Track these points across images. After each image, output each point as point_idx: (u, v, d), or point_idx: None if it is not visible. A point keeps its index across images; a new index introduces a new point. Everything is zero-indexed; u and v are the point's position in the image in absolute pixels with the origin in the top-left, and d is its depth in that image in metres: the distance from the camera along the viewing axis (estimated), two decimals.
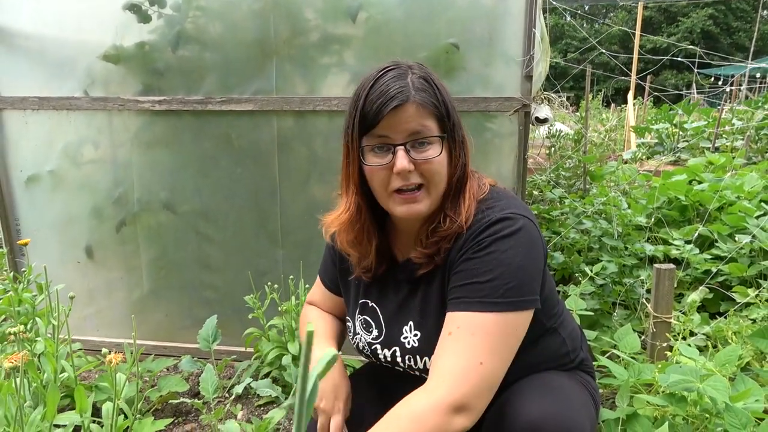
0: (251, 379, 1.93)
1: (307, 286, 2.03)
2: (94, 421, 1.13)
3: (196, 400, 1.85)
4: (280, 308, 1.99)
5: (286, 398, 1.82)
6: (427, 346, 1.10)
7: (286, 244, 2.24)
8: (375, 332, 1.19)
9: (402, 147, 0.99)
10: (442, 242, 1.05)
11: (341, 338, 1.35)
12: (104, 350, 1.11)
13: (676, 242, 2.67)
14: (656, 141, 7.59)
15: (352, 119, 1.02)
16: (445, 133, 1.03)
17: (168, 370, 2.21)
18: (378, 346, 1.19)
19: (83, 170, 2.32)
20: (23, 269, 1.95)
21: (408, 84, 0.99)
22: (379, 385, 1.34)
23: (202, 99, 2.16)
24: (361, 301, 1.22)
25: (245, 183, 2.22)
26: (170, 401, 1.98)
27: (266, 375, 2.09)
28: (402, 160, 0.98)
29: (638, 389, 1.51)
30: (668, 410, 1.46)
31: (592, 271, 2.15)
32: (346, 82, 2.10)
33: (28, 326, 1.50)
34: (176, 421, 1.93)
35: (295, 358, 1.92)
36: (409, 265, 1.12)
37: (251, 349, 2.14)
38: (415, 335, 1.12)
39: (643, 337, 2.10)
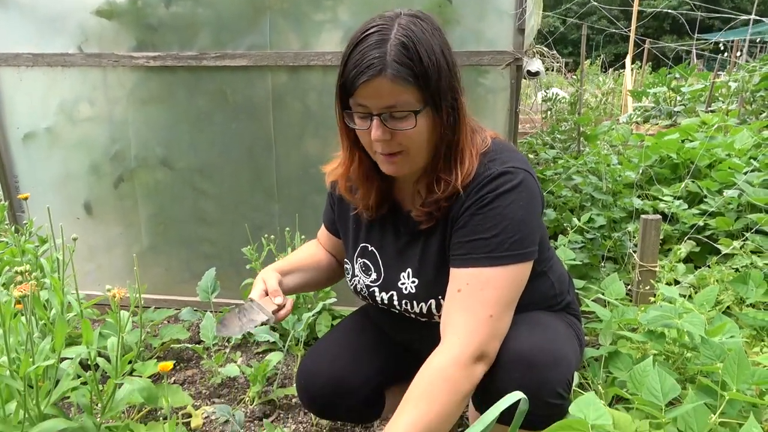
0: None
1: (303, 237, 2.08)
2: (100, 354, 1.19)
3: (197, 346, 1.91)
4: (276, 259, 2.04)
5: (284, 344, 1.89)
6: (424, 293, 1.16)
7: (282, 198, 2.28)
8: (374, 275, 1.24)
9: (378, 117, 0.99)
10: (440, 202, 1.08)
11: (319, 271, 1.40)
12: (107, 286, 1.16)
13: (665, 198, 2.72)
14: (653, 105, 7.56)
15: (337, 83, 1.03)
16: (425, 102, 0.99)
17: (168, 321, 2.27)
18: (376, 289, 1.24)
19: (80, 127, 2.34)
20: (24, 222, 1.99)
21: (386, 52, 0.95)
22: (375, 325, 1.40)
23: (197, 54, 2.17)
24: (361, 245, 1.26)
25: (241, 138, 2.24)
26: (172, 347, 2.05)
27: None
28: (376, 131, 0.99)
29: (621, 329, 1.57)
30: (648, 347, 1.53)
31: (580, 221, 2.20)
32: (339, 38, 2.11)
33: (33, 270, 1.55)
34: (178, 367, 2.01)
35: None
36: (410, 218, 1.16)
37: None
38: (413, 282, 1.17)
39: (629, 287, 2.17)
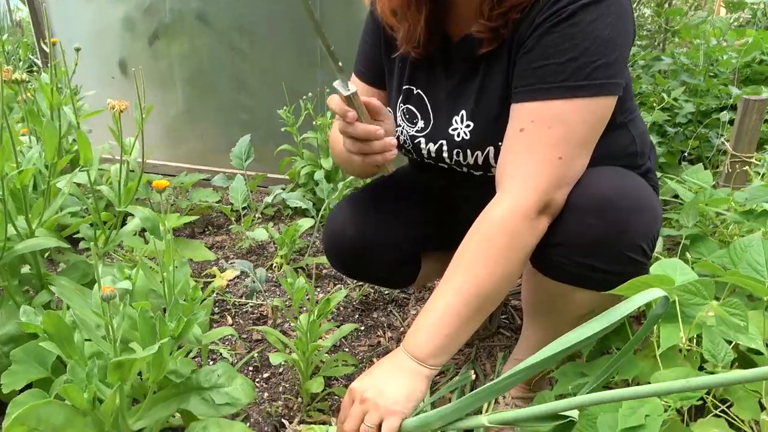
0: (282, 191, 1.86)
1: None
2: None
3: (225, 206, 1.79)
4: (314, 122, 1.86)
5: (318, 212, 1.74)
6: (480, 139, 0.95)
7: (326, 64, 2.06)
8: (420, 124, 1.03)
9: None
10: (510, 13, 0.84)
11: None
12: (108, 100, 1.01)
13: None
14: (750, 17, 6.72)
15: None
16: None
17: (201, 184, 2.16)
18: (422, 140, 1.03)
19: None
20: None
21: None
22: (417, 183, 1.20)
23: None
24: (405, 88, 1.04)
25: None
26: (201, 211, 1.94)
27: None
28: None
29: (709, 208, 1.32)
30: (737, 235, 1.28)
31: (670, 96, 1.89)
32: None
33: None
34: (207, 231, 1.91)
35: (328, 174, 1.81)
36: (466, 43, 0.93)
37: (284, 176, 2.06)
38: (467, 126, 0.95)
39: (714, 181, 1.88)
